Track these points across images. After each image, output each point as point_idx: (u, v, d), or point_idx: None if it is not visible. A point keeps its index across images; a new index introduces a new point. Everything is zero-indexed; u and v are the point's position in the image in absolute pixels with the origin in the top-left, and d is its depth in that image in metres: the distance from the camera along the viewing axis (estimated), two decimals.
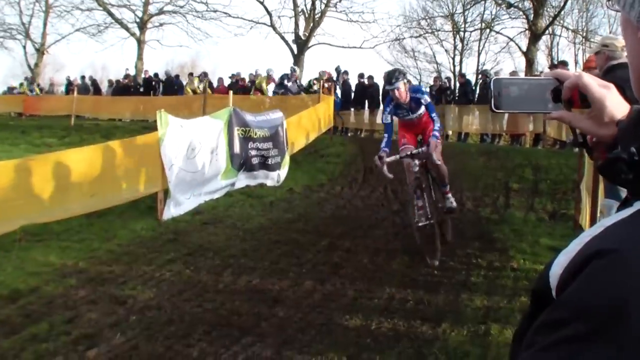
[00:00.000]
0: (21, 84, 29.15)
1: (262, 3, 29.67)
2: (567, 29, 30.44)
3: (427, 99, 7.22)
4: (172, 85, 23.69)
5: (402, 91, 6.95)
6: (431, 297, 5.64)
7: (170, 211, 8.98)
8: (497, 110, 1.28)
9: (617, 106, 1.10)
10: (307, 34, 28.90)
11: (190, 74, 23.20)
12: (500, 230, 8.56)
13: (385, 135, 7.13)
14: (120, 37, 31.93)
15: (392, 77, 6.94)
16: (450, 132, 19.59)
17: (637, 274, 0.66)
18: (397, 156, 7.00)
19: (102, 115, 22.74)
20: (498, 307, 5.38)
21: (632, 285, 0.66)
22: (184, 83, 23.91)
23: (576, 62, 24.69)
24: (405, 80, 7.04)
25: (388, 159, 6.77)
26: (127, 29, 31.09)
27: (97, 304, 5.35)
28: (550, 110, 1.22)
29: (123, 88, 24.68)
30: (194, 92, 21.16)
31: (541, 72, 24.66)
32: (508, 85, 1.26)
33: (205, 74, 22.82)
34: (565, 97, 1.19)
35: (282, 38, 29.64)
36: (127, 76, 26.16)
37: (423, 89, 8.18)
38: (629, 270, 0.67)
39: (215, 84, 22.95)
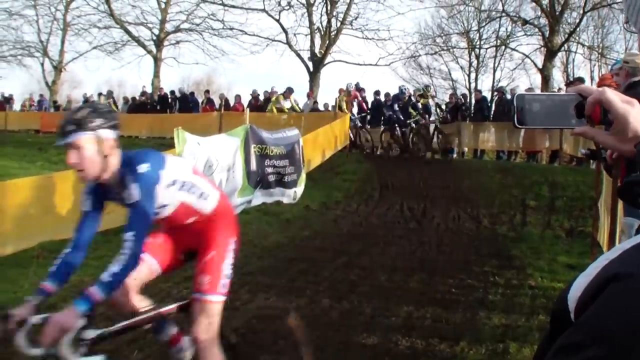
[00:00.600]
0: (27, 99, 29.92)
1: (278, 21, 29.82)
2: (583, 45, 30.31)
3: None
4: (187, 103, 23.83)
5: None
6: (449, 315, 5.63)
7: None
8: (520, 126, 1.29)
9: None
10: (322, 52, 28.97)
11: (286, 91, 22.10)
12: (517, 248, 8.54)
13: None
14: (137, 54, 32.10)
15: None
16: (466, 149, 19.53)
17: None
18: None
19: (119, 132, 22.92)
20: (516, 325, 5.36)
21: None
22: (199, 100, 24.07)
23: (592, 79, 24.56)
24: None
25: None
26: (144, 46, 31.35)
27: (116, 320, 5.38)
28: (574, 125, 1.23)
29: (139, 105, 24.87)
30: (281, 110, 20.76)
31: (559, 89, 24.56)
32: (531, 101, 1.27)
33: (290, 90, 21.64)
34: (588, 113, 1.20)
35: (298, 55, 29.73)
36: (143, 93, 26.33)
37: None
38: None
39: (232, 102, 23.08)
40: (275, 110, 20.27)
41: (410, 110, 17.91)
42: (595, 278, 0.76)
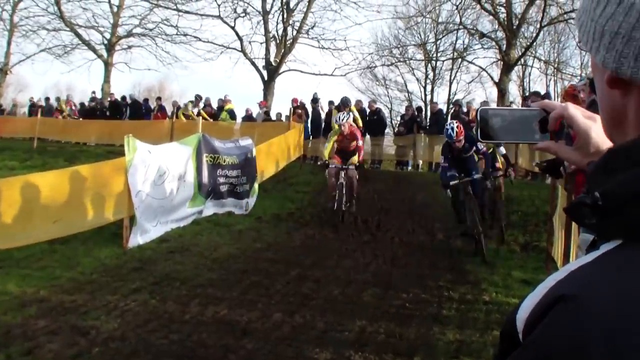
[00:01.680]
0: None
1: (233, 28, 29.73)
2: (540, 59, 31.12)
3: None
4: (138, 109, 23.56)
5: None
6: (403, 330, 5.67)
7: (136, 239, 8.90)
8: (484, 141, 1.31)
9: (603, 138, 1.11)
10: (277, 60, 29.00)
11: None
12: (473, 263, 8.65)
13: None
14: (87, 58, 31.48)
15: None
16: (420, 162, 19.74)
17: (596, 320, 0.68)
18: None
19: (67, 139, 22.51)
20: (470, 341, 5.42)
21: (591, 330, 0.67)
22: (165, 108, 23.90)
23: (547, 93, 24.95)
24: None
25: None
26: (94, 50, 30.80)
27: (57, 334, 5.26)
28: (537, 140, 1.24)
29: (89, 111, 24.45)
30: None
31: (511, 102, 25.03)
32: (495, 115, 1.29)
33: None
34: (551, 128, 1.22)
35: (253, 64, 29.66)
36: (93, 99, 25.94)
37: None
38: (589, 315, 0.69)
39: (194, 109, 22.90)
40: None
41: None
42: (543, 299, 0.77)
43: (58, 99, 26.26)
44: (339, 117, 11.63)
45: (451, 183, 9.32)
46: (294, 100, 20.82)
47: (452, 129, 9.34)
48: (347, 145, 11.71)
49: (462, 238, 10.04)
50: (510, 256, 9.14)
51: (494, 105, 21.80)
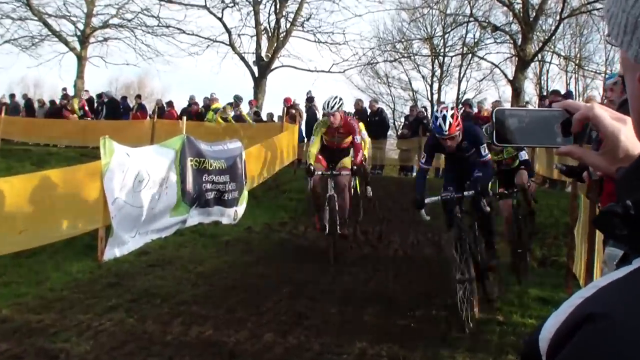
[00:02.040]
0: None
1: (220, 19, 29.69)
2: (559, 55, 31.01)
3: None
4: (116, 108, 23.49)
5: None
6: (407, 353, 5.64)
7: (113, 251, 8.87)
8: (500, 144, 1.30)
9: (633, 141, 1.10)
10: (269, 55, 29.02)
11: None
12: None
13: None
14: (57, 51, 31.15)
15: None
16: None
17: (629, 341, 0.67)
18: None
19: (34, 140, 22.42)
20: None
21: (623, 352, 0.67)
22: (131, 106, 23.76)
23: (569, 92, 24.75)
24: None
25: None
26: (66, 43, 30.59)
27: (22, 359, 5.24)
28: (559, 144, 1.23)
29: (60, 109, 24.34)
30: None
31: (527, 102, 25.00)
32: (512, 116, 1.28)
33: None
34: (575, 130, 1.21)
35: (242, 59, 29.66)
36: (65, 96, 25.84)
37: None
38: (622, 336, 0.68)
39: (165, 108, 22.89)
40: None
41: None
42: (569, 318, 0.77)
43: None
44: (327, 103, 9.46)
45: (427, 201, 7.22)
46: (287, 100, 20.82)
47: (444, 118, 6.97)
48: (338, 143, 10.10)
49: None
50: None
51: (507, 106, 21.81)
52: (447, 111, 7.01)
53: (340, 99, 9.51)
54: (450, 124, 6.92)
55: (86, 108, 24.04)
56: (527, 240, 9.38)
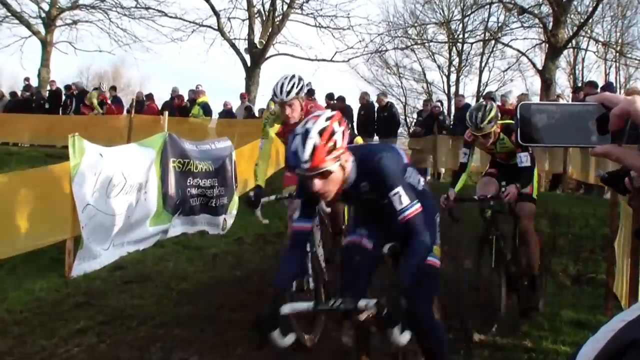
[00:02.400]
0: None
1: (207, 0, 29.78)
2: (597, 41, 30.88)
3: None
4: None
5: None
6: None
7: (82, 266, 8.86)
8: (526, 144, 1.27)
9: None
10: (264, 42, 29.06)
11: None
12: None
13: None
14: (18, 35, 30.93)
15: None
16: (443, 170, 19.71)
17: None
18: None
19: None
20: None
21: None
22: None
23: (609, 83, 24.37)
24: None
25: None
26: (28, 25, 30.31)
27: None
28: (595, 143, 1.21)
29: (21, 103, 24.31)
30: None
31: (558, 95, 24.89)
32: (539, 112, 1.25)
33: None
34: (613, 128, 1.18)
35: (233, 46, 29.72)
36: (27, 87, 25.84)
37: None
38: None
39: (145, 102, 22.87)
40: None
41: None
42: (609, 344, 0.76)
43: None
44: (280, 86, 6.84)
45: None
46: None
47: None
48: None
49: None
50: (559, 291, 9.09)
51: (536, 99, 21.69)
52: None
53: (300, 80, 6.99)
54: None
55: (109, 102, 23.28)
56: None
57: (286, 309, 4.26)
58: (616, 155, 1.18)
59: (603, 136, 1.20)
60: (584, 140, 1.22)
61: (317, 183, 3.93)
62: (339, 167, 3.99)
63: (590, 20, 27.32)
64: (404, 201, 4.15)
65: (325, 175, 3.93)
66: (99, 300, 7.76)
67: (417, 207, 4.17)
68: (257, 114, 21.90)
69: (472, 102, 26.23)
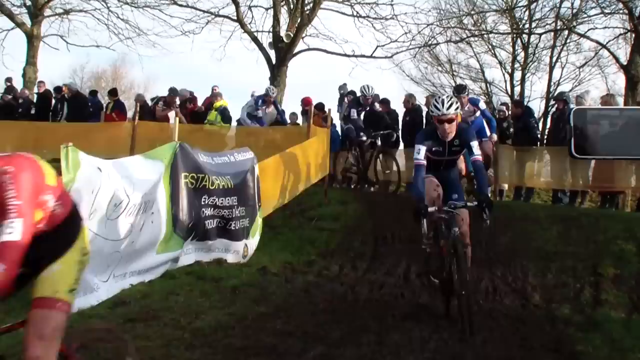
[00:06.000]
0: None
1: None
2: None
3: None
4: (83, 106, 23.45)
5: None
6: None
7: (76, 301, 8.85)
8: (579, 156, 1.29)
9: None
10: (291, 35, 28.92)
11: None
12: (587, 341, 8.54)
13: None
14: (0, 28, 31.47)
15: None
16: (505, 187, 19.48)
17: None
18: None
19: None
20: None
21: None
22: (103, 104, 23.74)
23: None
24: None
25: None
26: (10, 16, 30.14)
27: None
28: None
29: (3, 108, 24.02)
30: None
31: None
32: (597, 118, 1.28)
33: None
34: None
35: (255, 39, 29.67)
36: (9, 89, 25.65)
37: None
38: None
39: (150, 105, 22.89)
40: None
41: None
42: None
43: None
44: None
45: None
46: (306, 101, 20.69)
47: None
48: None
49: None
50: None
51: (620, 101, 21.22)
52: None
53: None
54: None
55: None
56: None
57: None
58: None
59: None
60: None
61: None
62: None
63: None
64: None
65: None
66: (96, 342, 7.81)
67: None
68: (288, 120, 21.91)
69: (542, 105, 25.81)
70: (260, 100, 20.11)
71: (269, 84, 27.87)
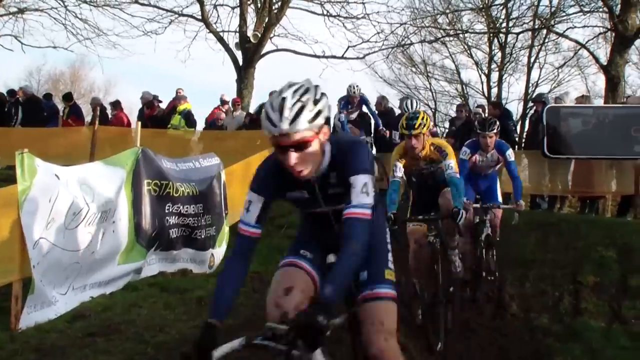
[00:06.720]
0: None
1: None
2: None
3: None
4: (38, 110, 23.31)
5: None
6: None
7: (33, 315, 8.82)
8: (552, 156, 1.26)
9: None
10: (259, 35, 28.89)
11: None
12: (566, 352, 8.58)
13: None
14: None
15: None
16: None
17: None
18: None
19: None
20: None
21: None
22: (59, 108, 23.63)
23: None
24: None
25: None
26: None
27: None
28: None
29: None
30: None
31: (628, 96, 24.61)
32: (571, 116, 1.25)
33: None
34: None
35: (220, 40, 29.58)
36: None
37: None
38: None
39: (109, 110, 22.84)
40: None
41: None
42: None
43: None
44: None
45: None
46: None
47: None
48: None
49: None
50: (630, 342, 9.04)
51: (599, 102, 21.34)
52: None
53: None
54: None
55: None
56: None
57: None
58: None
59: None
60: (626, 151, 1.21)
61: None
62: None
63: None
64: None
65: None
66: (55, 358, 7.74)
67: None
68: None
69: (518, 106, 25.94)
70: (343, 102, 19.71)
71: (235, 88, 27.91)
